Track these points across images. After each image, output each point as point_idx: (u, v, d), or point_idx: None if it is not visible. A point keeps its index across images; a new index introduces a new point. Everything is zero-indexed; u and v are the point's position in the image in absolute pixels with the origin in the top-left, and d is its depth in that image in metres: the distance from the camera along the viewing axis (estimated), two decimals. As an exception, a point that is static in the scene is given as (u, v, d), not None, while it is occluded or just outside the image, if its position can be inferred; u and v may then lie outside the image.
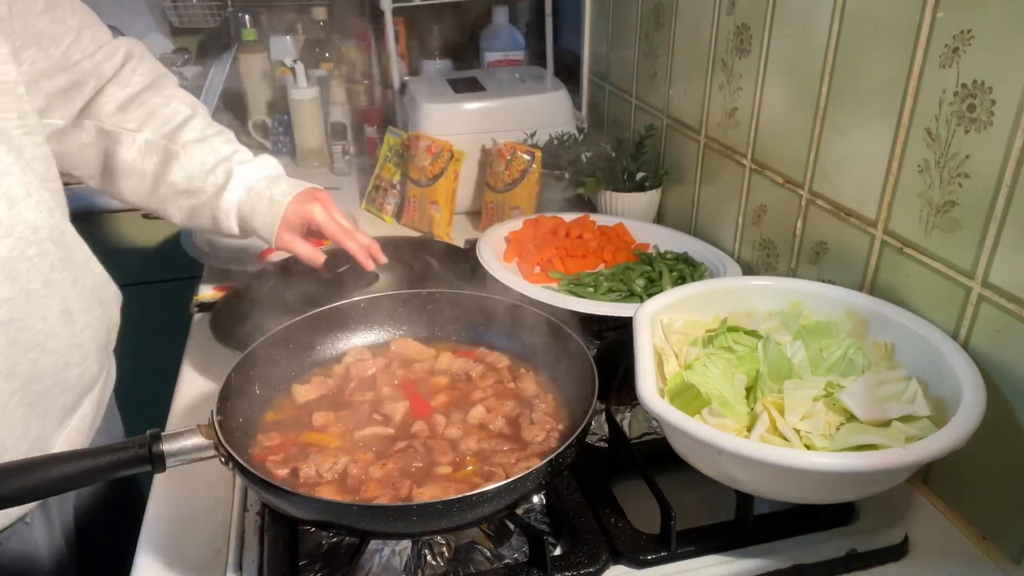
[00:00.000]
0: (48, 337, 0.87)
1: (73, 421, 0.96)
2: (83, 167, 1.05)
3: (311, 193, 1.06)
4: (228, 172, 1.04)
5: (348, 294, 1.04)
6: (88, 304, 0.94)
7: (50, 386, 0.89)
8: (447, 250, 1.32)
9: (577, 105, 1.76)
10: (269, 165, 1.09)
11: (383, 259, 1.08)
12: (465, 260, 1.26)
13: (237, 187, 1.04)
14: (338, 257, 1.07)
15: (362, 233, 1.07)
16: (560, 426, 0.85)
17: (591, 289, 1.20)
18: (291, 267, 1.18)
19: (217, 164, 1.04)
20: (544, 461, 0.72)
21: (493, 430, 0.85)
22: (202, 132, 1.06)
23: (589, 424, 0.77)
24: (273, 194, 1.04)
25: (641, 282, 1.20)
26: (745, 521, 0.80)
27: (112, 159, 1.04)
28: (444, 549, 0.80)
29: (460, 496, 0.68)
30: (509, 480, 0.70)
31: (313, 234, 1.09)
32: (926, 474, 0.90)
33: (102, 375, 1.02)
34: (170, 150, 1.03)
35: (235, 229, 1.06)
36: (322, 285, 1.08)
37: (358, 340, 1.00)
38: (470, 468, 0.80)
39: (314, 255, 1.06)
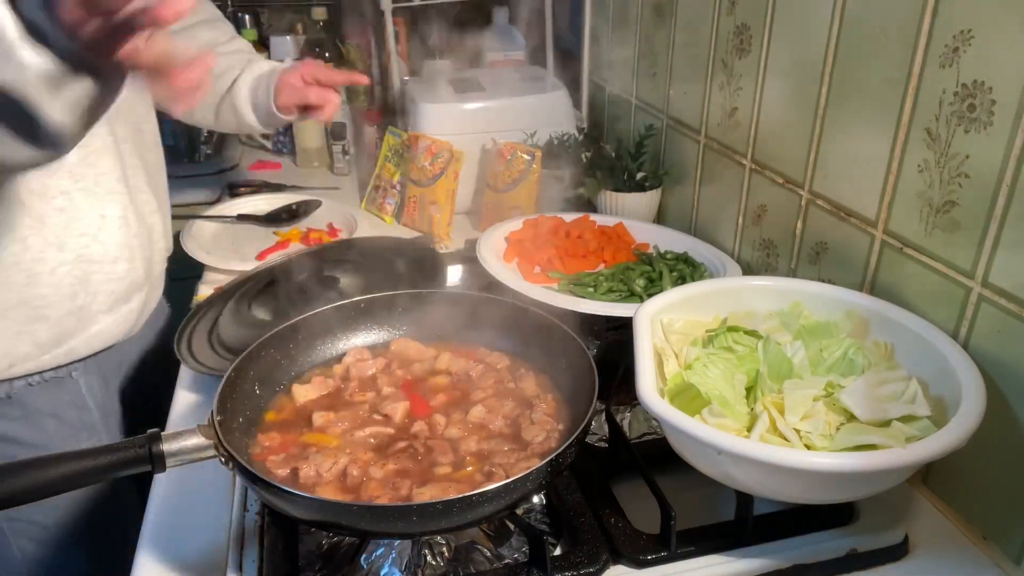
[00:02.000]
0: (101, 231, 1.07)
1: (123, 310, 1.14)
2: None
3: (300, 63, 1.28)
4: (244, 67, 1.30)
5: (312, 303, 1.03)
6: (139, 221, 1.13)
7: (98, 270, 1.08)
8: (415, 250, 1.30)
9: (577, 105, 1.75)
10: (277, 63, 1.32)
11: (365, 79, 1.35)
12: (431, 259, 1.25)
13: (248, 77, 1.29)
14: (296, 266, 1.10)
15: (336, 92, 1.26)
16: (560, 426, 0.85)
17: (591, 289, 1.20)
18: (255, 279, 1.18)
19: (237, 65, 1.30)
20: (544, 461, 0.71)
21: (493, 430, 0.85)
22: (234, 50, 1.34)
23: (589, 424, 0.77)
24: (271, 78, 1.26)
25: (641, 282, 1.20)
26: (745, 521, 0.80)
27: None
28: (444, 549, 0.80)
29: (460, 496, 0.68)
30: (509, 480, 0.70)
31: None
32: (926, 474, 0.90)
33: (147, 283, 1.18)
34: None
35: (250, 113, 1.30)
36: (284, 297, 1.12)
37: (358, 340, 1.00)
38: (470, 468, 0.79)
39: (325, 96, 1.23)
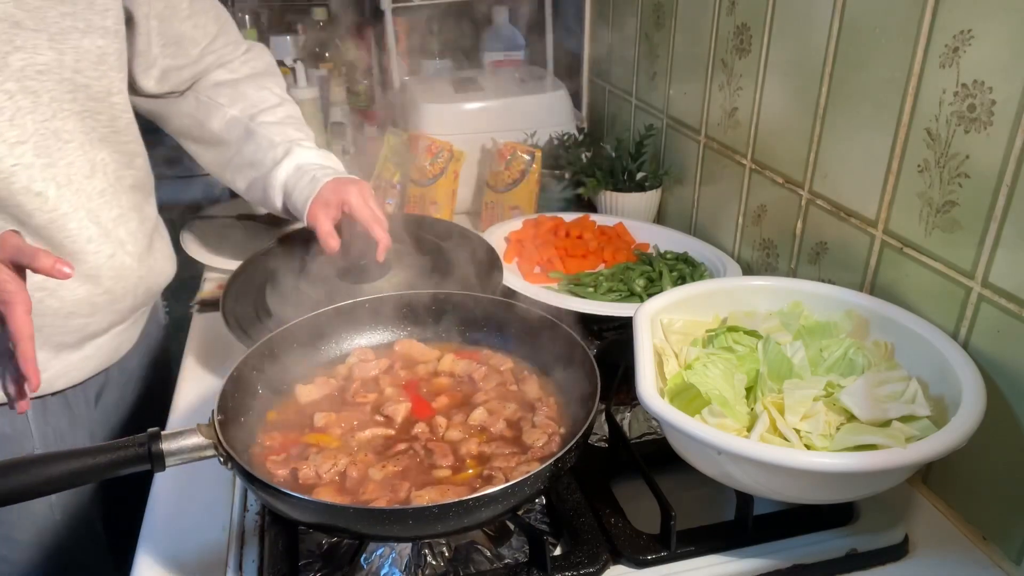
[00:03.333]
0: (61, 286, 1.00)
1: (73, 357, 1.08)
2: (184, 132, 1.21)
3: (352, 180, 1.11)
4: (288, 150, 1.13)
5: (362, 280, 1.07)
6: (116, 277, 1.07)
7: (49, 323, 1.00)
8: (465, 240, 1.24)
9: (577, 105, 1.75)
10: (328, 157, 1.16)
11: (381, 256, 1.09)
12: (485, 253, 1.21)
13: (289, 164, 1.12)
14: (358, 248, 1.09)
15: (385, 232, 1.08)
16: (562, 430, 0.84)
17: (591, 289, 1.20)
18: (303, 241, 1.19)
19: (282, 143, 1.14)
20: (543, 466, 0.71)
21: (494, 433, 0.84)
22: (281, 119, 1.17)
23: (590, 429, 0.77)
24: (316, 174, 1.10)
25: (641, 282, 1.20)
26: (745, 521, 0.80)
27: (203, 128, 1.17)
28: (444, 549, 0.80)
29: (456, 500, 0.68)
30: (507, 484, 0.69)
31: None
32: (926, 474, 0.90)
33: (107, 332, 1.12)
34: (249, 127, 1.15)
35: (278, 203, 1.14)
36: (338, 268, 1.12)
37: (362, 340, 1.00)
38: (470, 471, 0.79)
39: (329, 238, 1.08)
